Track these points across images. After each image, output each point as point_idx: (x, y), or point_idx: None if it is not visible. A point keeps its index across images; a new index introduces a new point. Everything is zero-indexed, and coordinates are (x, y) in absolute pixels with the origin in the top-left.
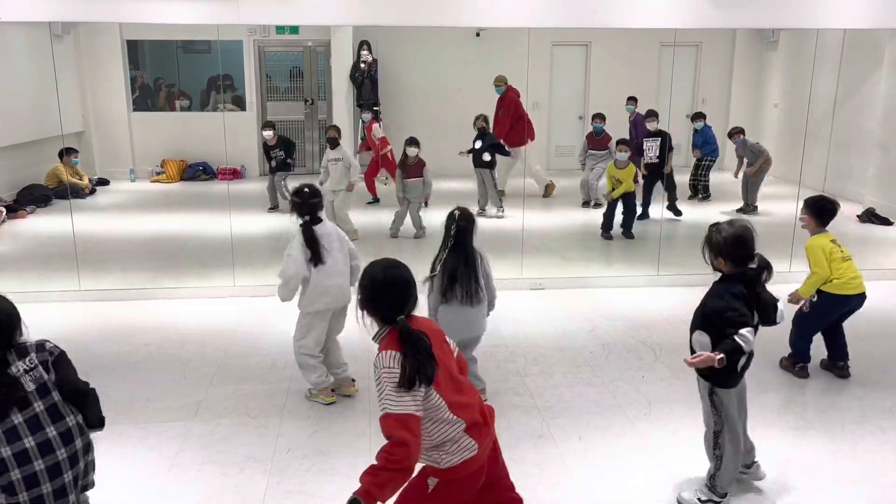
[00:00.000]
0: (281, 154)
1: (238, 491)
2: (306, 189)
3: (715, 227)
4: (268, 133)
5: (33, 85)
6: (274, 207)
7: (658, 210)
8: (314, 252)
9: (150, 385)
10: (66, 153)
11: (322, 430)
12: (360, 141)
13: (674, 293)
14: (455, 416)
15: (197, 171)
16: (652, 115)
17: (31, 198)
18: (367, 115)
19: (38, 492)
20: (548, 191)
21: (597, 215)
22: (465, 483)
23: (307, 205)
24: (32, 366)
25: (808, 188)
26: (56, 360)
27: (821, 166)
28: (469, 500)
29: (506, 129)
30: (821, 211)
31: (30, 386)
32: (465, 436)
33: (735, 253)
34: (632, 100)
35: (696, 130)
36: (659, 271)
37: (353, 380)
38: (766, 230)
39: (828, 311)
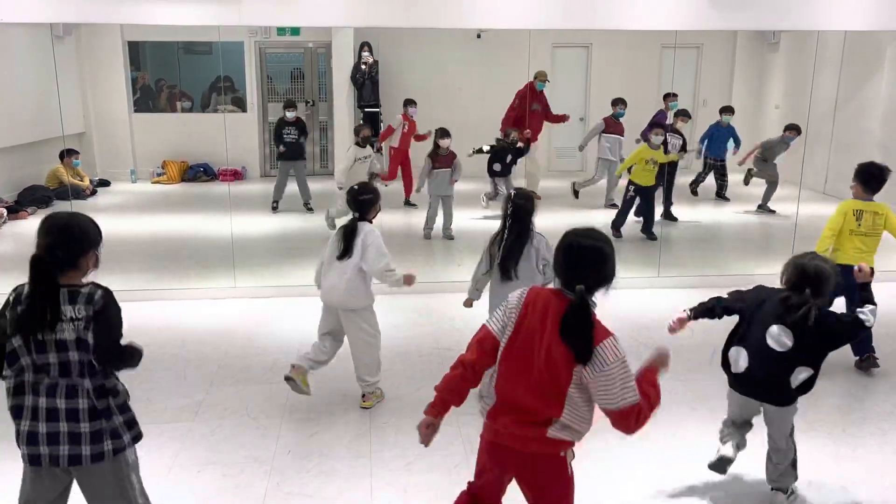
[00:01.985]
0: (294, 133)
1: (238, 492)
2: (356, 187)
3: (812, 255)
4: (290, 114)
5: (34, 86)
6: (276, 206)
7: (657, 211)
8: (346, 246)
9: (150, 385)
10: (66, 154)
11: (323, 432)
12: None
13: (675, 295)
14: (493, 391)
15: (198, 173)
16: (684, 114)
17: (32, 198)
18: (413, 109)
19: (35, 428)
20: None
21: (597, 216)
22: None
23: (356, 202)
24: (80, 316)
25: (809, 189)
26: (95, 317)
27: (822, 167)
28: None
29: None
30: (867, 176)
31: (71, 335)
32: (491, 386)
33: (801, 282)
34: (673, 96)
35: (724, 126)
36: (660, 273)
37: (364, 395)
38: (767, 231)
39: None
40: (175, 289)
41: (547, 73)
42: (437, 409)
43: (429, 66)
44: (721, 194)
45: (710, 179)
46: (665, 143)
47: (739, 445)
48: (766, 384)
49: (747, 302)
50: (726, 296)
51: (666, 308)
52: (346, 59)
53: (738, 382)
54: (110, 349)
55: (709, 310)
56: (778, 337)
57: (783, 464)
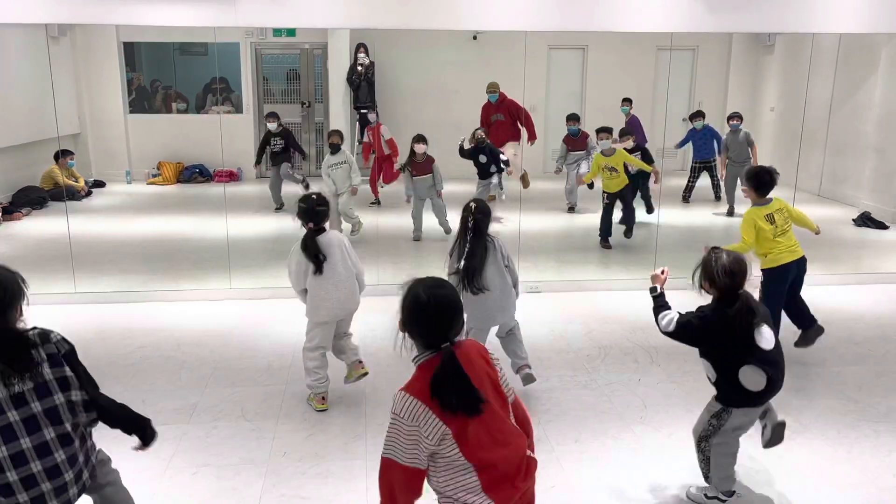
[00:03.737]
0: (281, 142)
1: (233, 494)
2: (314, 196)
3: (715, 252)
4: (272, 125)
5: (29, 87)
6: (280, 207)
7: (654, 212)
8: (312, 260)
9: (145, 387)
10: (61, 155)
11: (318, 434)
12: (358, 143)
13: (670, 296)
14: (469, 464)
15: (193, 174)
16: (627, 133)
17: (27, 200)
18: (374, 116)
19: (39, 491)
20: (524, 181)
21: (592, 218)
22: None
23: (313, 211)
24: (38, 361)
25: (804, 191)
26: (68, 356)
27: (816, 170)
28: None
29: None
30: (760, 183)
31: (28, 384)
32: (480, 493)
33: (724, 282)
34: (627, 101)
35: (698, 130)
36: None
37: (361, 360)
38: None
39: (776, 286)
40: (170, 290)
41: (541, 78)
42: None
43: (425, 68)
44: (718, 196)
45: (704, 180)
46: (643, 149)
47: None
48: (782, 377)
49: (708, 339)
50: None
51: None
52: (342, 60)
53: (760, 395)
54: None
55: (665, 305)
56: (768, 335)
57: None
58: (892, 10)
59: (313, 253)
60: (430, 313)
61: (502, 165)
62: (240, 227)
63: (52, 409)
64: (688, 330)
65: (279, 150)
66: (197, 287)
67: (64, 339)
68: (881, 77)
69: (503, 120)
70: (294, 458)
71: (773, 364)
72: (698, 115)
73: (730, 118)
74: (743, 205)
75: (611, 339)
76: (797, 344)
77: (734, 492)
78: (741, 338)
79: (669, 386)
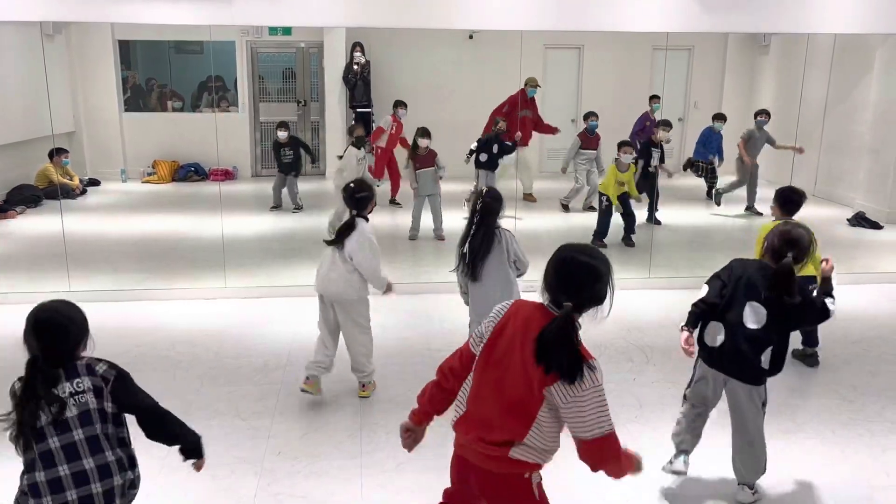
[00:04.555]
0: (290, 154)
1: (228, 493)
2: (352, 184)
3: (795, 224)
4: (282, 133)
5: (24, 85)
6: (276, 206)
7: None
8: (338, 237)
9: (140, 386)
10: (56, 153)
11: (313, 433)
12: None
13: (665, 295)
14: (465, 402)
15: (189, 172)
16: (666, 124)
17: (21, 198)
18: (403, 111)
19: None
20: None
21: (587, 217)
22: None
23: (352, 199)
24: (80, 390)
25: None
26: (115, 387)
27: (811, 170)
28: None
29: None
30: (786, 201)
31: (73, 411)
32: (463, 397)
33: (778, 245)
34: (655, 98)
35: (716, 132)
36: (650, 274)
37: (363, 385)
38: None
39: None
40: (165, 289)
41: (538, 78)
42: (418, 417)
43: (421, 67)
44: (711, 195)
45: (698, 180)
46: (639, 160)
47: (688, 451)
48: (740, 362)
49: (725, 280)
50: (705, 288)
51: (657, 309)
52: (337, 59)
53: (712, 357)
54: (146, 407)
55: (700, 315)
56: (753, 314)
57: (755, 459)
58: (887, 10)
59: (338, 235)
60: (561, 271)
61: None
62: (235, 226)
63: (93, 437)
64: (715, 280)
65: (290, 161)
66: (192, 286)
67: (111, 367)
68: (876, 77)
69: (529, 117)
70: (289, 458)
71: (736, 336)
72: (719, 117)
73: (757, 114)
74: (763, 203)
75: (605, 338)
76: (793, 355)
77: (684, 451)
78: (737, 294)
79: (665, 385)
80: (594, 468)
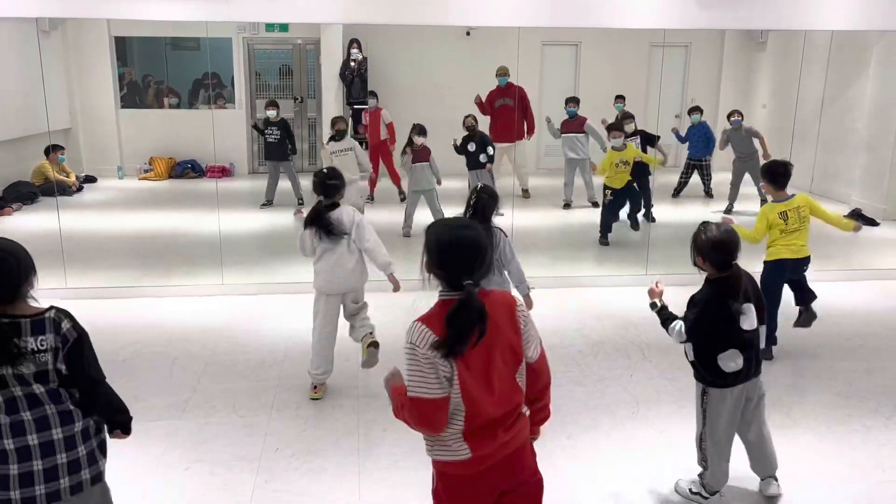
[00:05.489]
0: (277, 133)
1: (226, 490)
2: (325, 170)
3: (703, 226)
4: (271, 112)
5: (20, 81)
6: (267, 203)
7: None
8: (317, 229)
9: (137, 383)
10: (52, 150)
11: (311, 429)
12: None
13: (668, 295)
14: (463, 407)
15: (185, 169)
16: (628, 116)
17: (18, 195)
18: (374, 101)
19: (5, 471)
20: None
21: (585, 214)
22: (460, 483)
23: (323, 185)
24: (43, 348)
25: (796, 188)
26: (70, 350)
27: (808, 167)
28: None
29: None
30: (775, 176)
31: (30, 367)
32: (459, 440)
33: (714, 256)
34: (620, 98)
35: (695, 125)
36: (647, 271)
37: (371, 333)
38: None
39: (771, 279)
40: (162, 286)
41: (536, 74)
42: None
43: (418, 64)
44: (710, 193)
45: (695, 178)
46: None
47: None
48: (755, 357)
49: (699, 316)
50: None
51: None
52: (334, 55)
53: (735, 376)
54: (87, 378)
55: (671, 318)
56: (747, 319)
57: (771, 448)
58: (884, 7)
59: (318, 224)
60: (453, 252)
61: (485, 159)
62: (232, 223)
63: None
64: (698, 327)
65: (275, 140)
66: (189, 283)
67: (74, 326)
68: (872, 74)
69: (510, 105)
70: (286, 454)
71: (749, 346)
72: (696, 109)
73: (730, 115)
74: (745, 202)
75: (603, 335)
76: (796, 324)
77: (717, 491)
78: (726, 319)
79: (661, 382)
80: (548, 378)
